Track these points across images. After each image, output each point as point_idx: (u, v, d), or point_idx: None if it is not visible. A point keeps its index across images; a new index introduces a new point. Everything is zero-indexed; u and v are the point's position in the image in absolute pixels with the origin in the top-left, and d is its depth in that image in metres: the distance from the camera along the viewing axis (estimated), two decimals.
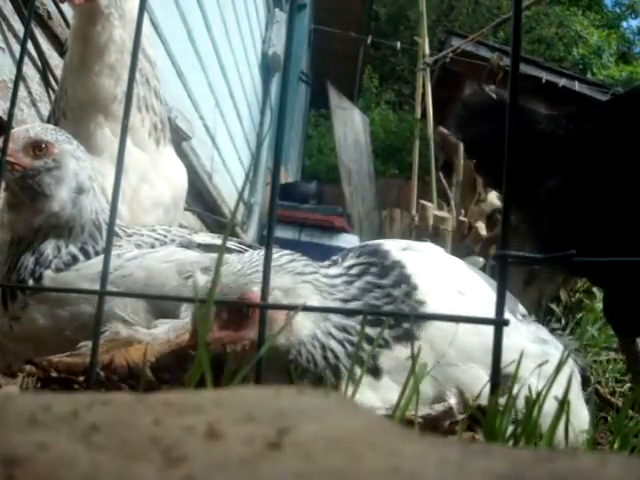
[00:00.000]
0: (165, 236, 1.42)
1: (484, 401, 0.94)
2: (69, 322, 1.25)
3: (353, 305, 0.99)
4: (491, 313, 1.04)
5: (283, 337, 0.93)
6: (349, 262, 1.08)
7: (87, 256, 1.33)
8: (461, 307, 1.04)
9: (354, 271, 1.05)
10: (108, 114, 1.69)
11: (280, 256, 1.01)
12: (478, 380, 0.97)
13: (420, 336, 0.97)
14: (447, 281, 1.10)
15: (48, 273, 1.29)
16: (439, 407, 0.96)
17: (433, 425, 0.94)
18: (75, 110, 1.70)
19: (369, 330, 0.96)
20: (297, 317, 0.93)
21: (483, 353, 0.97)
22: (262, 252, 1.03)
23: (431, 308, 1.00)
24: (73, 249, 1.32)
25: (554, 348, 1.12)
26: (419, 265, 1.09)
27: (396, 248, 1.13)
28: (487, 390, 0.96)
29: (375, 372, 0.96)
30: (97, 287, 1.22)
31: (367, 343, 0.96)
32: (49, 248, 1.31)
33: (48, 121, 1.79)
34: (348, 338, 0.96)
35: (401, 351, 0.97)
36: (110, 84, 1.70)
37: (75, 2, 1.62)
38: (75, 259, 1.32)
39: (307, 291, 0.96)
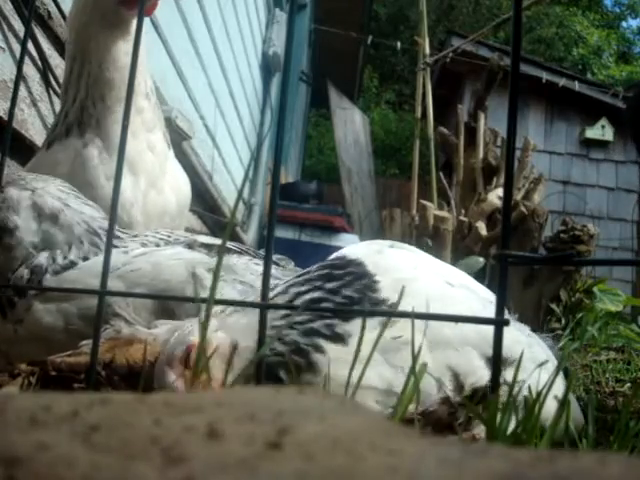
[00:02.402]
0: (169, 237, 1.44)
1: (479, 383, 0.96)
2: (78, 317, 1.26)
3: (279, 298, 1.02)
4: (481, 305, 1.07)
5: (233, 372, 0.95)
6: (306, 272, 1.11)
7: (87, 259, 1.33)
8: (451, 296, 1.07)
9: (305, 277, 1.07)
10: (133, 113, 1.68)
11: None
12: (474, 366, 1.00)
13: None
14: (434, 273, 1.12)
15: (47, 277, 1.29)
16: (436, 398, 0.96)
17: (433, 418, 0.94)
18: (97, 108, 1.68)
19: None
20: (237, 350, 0.96)
21: (479, 337, 0.99)
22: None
23: (419, 300, 1.01)
24: (72, 257, 1.33)
25: (538, 346, 1.14)
26: (403, 260, 1.12)
27: (380, 246, 1.16)
28: (482, 373, 0.98)
29: (338, 339, 0.98)
30: (97, 282, 1.25)
31: (325, 319, 0.99)
32: (42, 259, 1.31)
33: (59, 116, 1.74)
34: (292, 320, 0.99)
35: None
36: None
37: (148, 13, 1.67)
38: (73, 263, 1.32)
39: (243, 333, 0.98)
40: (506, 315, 1.14)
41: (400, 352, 0.98)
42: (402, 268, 1.08)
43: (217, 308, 1.02)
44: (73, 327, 1.26)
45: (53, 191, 1.38)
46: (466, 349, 1.01)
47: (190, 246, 1.41)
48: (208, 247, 1.42)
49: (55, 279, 1.29)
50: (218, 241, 1.46)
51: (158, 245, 1.40)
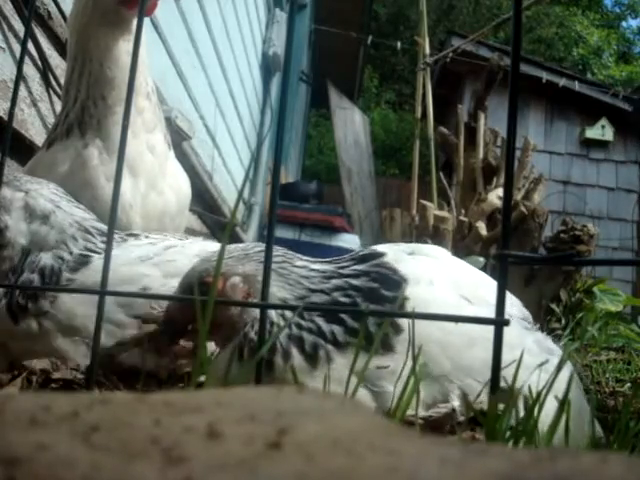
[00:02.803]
0: (187, 238, 1.48)
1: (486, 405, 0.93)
2: (112, 304, 1.25)
3: (316, 297, 1.02)
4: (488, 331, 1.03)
5: (240, 312, 1.02)
6: (344, 262, 1.09)
7: (97, 253, 1.34)
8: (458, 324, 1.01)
9: (343, 270, 1.06)
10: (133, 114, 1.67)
11: (254, 247, 1.09)
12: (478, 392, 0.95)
13: (398, 350, 0.96)
14: (451, 289, 1.06)
15: (65, 275, 1.30)
16: (441, 409, 0.95)
17: (434, 427, 0.93)
18: (98, 108, 1.67)
19: (324, 325, 0.99)
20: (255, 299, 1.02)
21: (487, 370, 0.95)
22: (239, 245, 1.12)
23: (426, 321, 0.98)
24: (78, 251, 1.34)
25: (559, 358, 1.10)
26: (420, 273, 1.06)
27: (398, 253, 1.11)
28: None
29: (312, 359, 0.97)
30: (138, 269, 1.30)
31: (319, 337, 0.98)
32: (46, 260, 1.32)
33: (59, 116, 1.74)
34: (297, 321, 0.99)
35: (379, 359, 0.96)
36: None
37: (148, 13, 1.67)
38: (86, 257, 1.33)
39: None
40: (529, 326, 1.11)
41: (381, 380, 0.96)
42: (418, 280, 1.04)
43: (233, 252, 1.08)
44: (106, 314, 1.25)
45: (46, 193, 1.40)
46: (467, 381, 0.97)
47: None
48: None
49: (79, 274, 1.30)
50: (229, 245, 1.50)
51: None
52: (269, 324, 1.00)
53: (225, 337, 1.03)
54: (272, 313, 1.01)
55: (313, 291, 1.02)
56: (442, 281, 1.05)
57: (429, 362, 0.95)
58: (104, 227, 1.41)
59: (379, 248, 1.15)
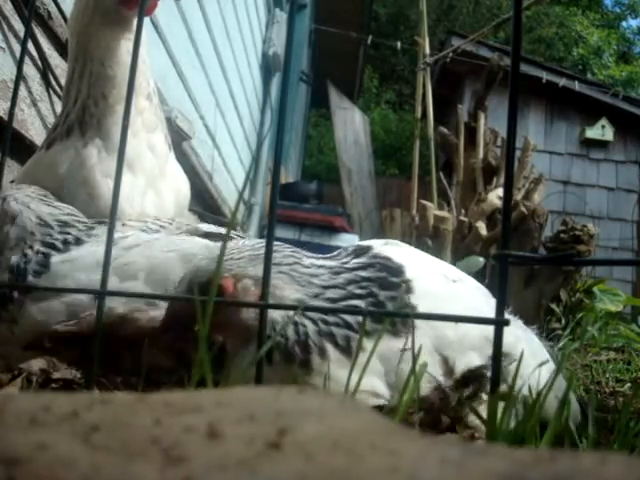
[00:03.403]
0: (170, 224, 1.43)
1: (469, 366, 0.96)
2: (66, 314, 1.24)
3: (331, 292, 1.03)
4: (485, 299, 1.08)
5: (256, 315, 0.99)
6: (344, 258, 1.12)
7: (56, 249, 1.32)
8: (455, 294, 1.08)
9: (347, 265, 1.09)
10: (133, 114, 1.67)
11: (262, 246, 1.07)
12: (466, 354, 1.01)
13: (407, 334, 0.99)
14: (434, 270, 1.13)
15: (29, 280, 1.29)
16: (427, 387, 0.97)
17: (426, 403, 0.94)
18: (99, 107, 1.66)
19: (349, 317, 1.00)
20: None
21: (483, 341, 0.99)
22: (246, 242, 1.11)
23: (425, 300, 1.02)
24: (39, 247, 1.32)
25: (533, 340, 1.15)
26: (405, 259, 1.12)
27: (379, 246, 1.16)
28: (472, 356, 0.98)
29: (346, 351, 0.98)
30: (94, 277, 1.24)
31: (348, 329, 0.99)
32: (14, 259, 1.31)
33: (60, 117, 1.73)
34: (322, 317, 1.00)
35: (394, 341, 0.99)
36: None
37: (148, 12, 1.67)
38: (46, 256, 1.31)
39: (280, 281, 1.01)
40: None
41: (402, 363, 0.98)
42: (409, 265, 1.09)
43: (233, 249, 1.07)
44: (60, 324, 1.24)
45: (20, 197, 1.40)
46: (468, 353, 1.01)
47: (191, 234, 1.41)
48: (211, 236, 1.42)
49: (44, 279, 1.29)
50: (221, 230, 1.48)
51: (158, 232, 1.39)
52: (293, 324, 1.00)
53: (240, 339, 1.02)
54: (292, 314, 1.01)
55: (326, 287, 1.03)
56: (423, 265, 1.13)
57: (437, 333, 0.99)
58: (73, 219, 1.39)
59: (362, 243, 1.19)
